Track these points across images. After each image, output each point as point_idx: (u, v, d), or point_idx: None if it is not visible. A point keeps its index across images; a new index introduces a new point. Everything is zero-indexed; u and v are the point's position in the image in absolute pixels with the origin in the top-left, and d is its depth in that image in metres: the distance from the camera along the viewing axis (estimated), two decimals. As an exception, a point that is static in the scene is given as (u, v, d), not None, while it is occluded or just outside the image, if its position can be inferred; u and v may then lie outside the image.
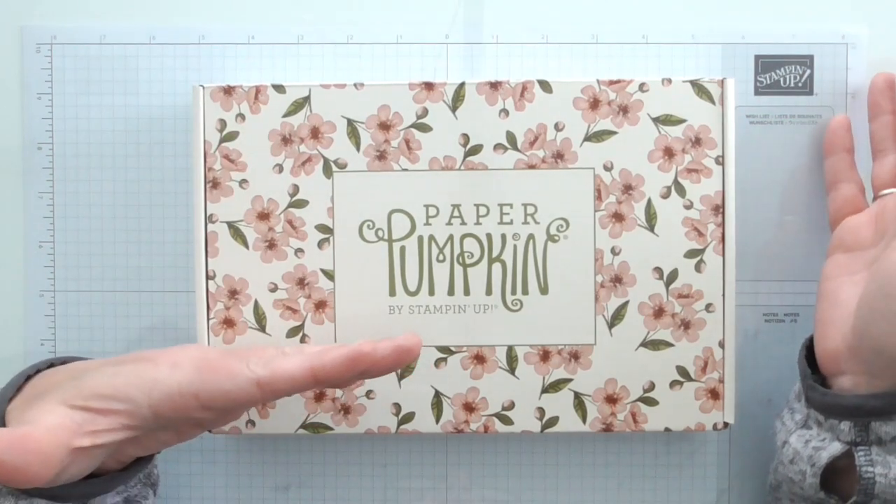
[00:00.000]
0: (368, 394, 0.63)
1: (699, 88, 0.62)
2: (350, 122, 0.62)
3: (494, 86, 0.62)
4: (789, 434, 0.60)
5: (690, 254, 0.62)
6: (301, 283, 0.62)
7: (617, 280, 0.62)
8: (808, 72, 0.66)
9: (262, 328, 0.63)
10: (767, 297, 0.66)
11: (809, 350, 0.61)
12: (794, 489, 0.59)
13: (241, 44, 0.66)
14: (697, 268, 0.62)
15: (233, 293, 0.63)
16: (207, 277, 0.63)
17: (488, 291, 0.62)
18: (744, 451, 0.66)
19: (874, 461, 0.55)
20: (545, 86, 0.62)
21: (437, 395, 0.63)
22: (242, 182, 0.62)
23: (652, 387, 0.62)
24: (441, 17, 0.66)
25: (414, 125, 0.62)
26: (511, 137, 0.62)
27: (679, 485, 0.67)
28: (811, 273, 0.65)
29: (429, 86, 0.62)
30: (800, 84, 0.66)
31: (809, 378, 0.59)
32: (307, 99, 0.62)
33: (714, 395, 0.62)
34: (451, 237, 0.62)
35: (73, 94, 0.66)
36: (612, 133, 0.62)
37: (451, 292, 0.62)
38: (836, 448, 0.56)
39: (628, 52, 0.66)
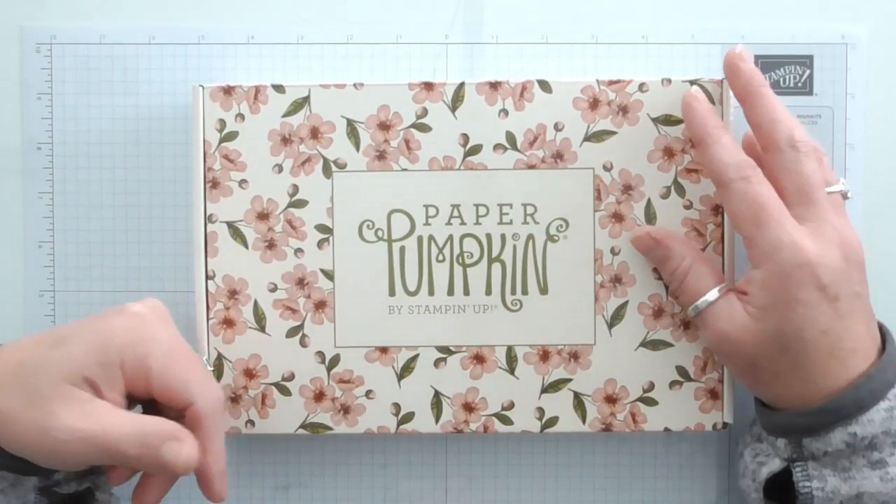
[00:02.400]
0: (368, 394, 0.63)
1: (699, 89, 0.62)
2: (350, 122, 0.62)
3: (494, 86, 0.62)
4: (745, 447, 0.61)
5: (690, 254, 0.62)
6: (301, 282, 0.62)
7: (616, 280, 0.62)
8: (808, 72, 0.66)
9: (262, 328, 0.63)
10: (767, 296, 0.66)
11: None
12: (749, 502, 0.60)
13: (241, 44, 0.66)
14: (697, 268, 0.62)
15: (232, 293, 0.63)
16: (207, 277, 0.63)
17: (488, 291, 0.62)
18: (744, 451, 0.66)
19: (811, 476, 0.56)
20: (545, 86, 0.62)
21: (437, 395, 0.63)
22: (242, 182, 0.62)
23: (651, 387, 0.62)
24: (441, 17, 0.66)
25: (413, 125, 0.62)
26: (511, 137, 0.62)
27: (679, 485, 0.67)
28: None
29: (428, 86, 0.62)
30: (800, 84, 0.66)
31: (755, 398, 0.60)
32: (307, 99, 0.62)
33: (713, 395, 0.62)
34: (450, 237, 0.62)
35: (73, 95, 0.66)
36: (611, 133, 0.62)
37: (450, 292, 0.62)
38: (775, 465, 0.58)
39: (628, 53, 0.66)
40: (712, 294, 0.58)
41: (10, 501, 0.55)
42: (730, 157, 0.57)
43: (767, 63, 0.66)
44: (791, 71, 0.66)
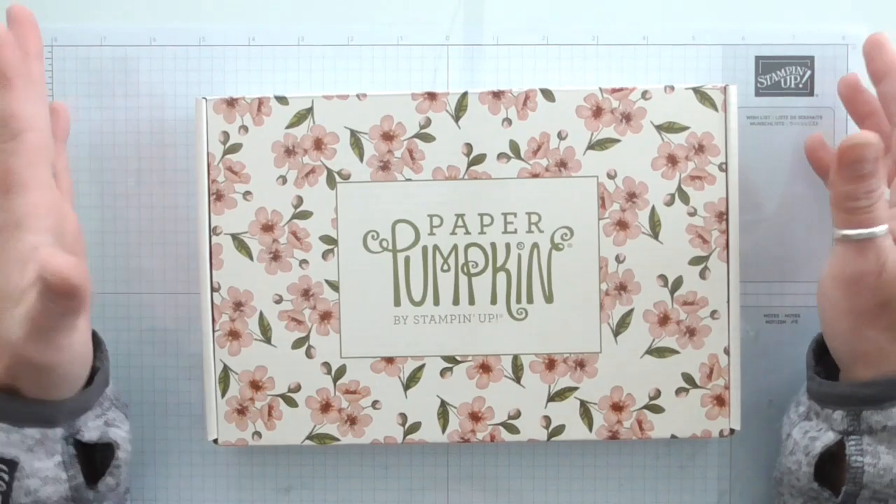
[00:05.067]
0: (374, 404, 0.63)
1: (702, 95, 0.62)
2: (353, 133, 0.62)
3: (497, 95, 0.62)
4: (792, 427, 0.61)
5: (695, 261, 0.62)
6: (306, 294, 0.62)
7: (622, 288, 0.62)
8: (809, 73, 0.66)
9: (268, 340, 0.63)
10: (768, 297, 0.66)
11: (821, 343, 0.61)
12: (792, 481, 0.60)
13: (242, 45, 0.66)
14: (702, 275, 0.62)
15: (238, 305, 0.62)
16: (212, 289, 0.62)
17: (493, 300, 0.62)
18: (745, 453, 0.67)
19: (864, 451, 0.56)
20: (548, 94, 0.62)
21: (444, 404, 0.63)
22: (246, 194, 0.62)
23: (658, 394, 0.63)
24: (441, 18, 0.66)
25: (417, 135, 0.62)
26: (514, 146, 0.62)
27: (680, 486, 0.67)
28: (812, 273, 0.65)
29: (431, 95, 0.62)
30: (800, 85, 0.66)
31: (811, 369, 0.60)
32: (310, 110, 0.62)
33: (720, 401, 0.62)
34: (455, 247, 0.62)
35: (74, 97, 0.66)
36: (615, 141, 0.62)
37: (456, 302, 0.62)
38: (829, 437, 0.57)
39: (629, 54, 0.66)
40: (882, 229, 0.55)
41: (38, 457, 0.56)
42: None
43: (768, 63, 0.66)
44: (792, 72, 0.66)
